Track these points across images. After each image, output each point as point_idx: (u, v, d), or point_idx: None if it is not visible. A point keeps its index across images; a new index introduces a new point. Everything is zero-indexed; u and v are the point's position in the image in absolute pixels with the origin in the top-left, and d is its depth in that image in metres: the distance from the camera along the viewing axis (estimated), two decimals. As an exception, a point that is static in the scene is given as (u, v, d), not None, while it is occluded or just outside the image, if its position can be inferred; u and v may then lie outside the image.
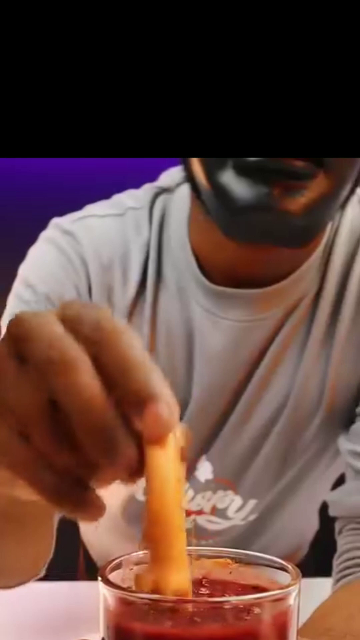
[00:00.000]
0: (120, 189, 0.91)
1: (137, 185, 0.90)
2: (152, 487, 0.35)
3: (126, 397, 0.34)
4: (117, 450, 0.34)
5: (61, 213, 0.89)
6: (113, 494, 0.46)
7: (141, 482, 0.36)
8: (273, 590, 0.36)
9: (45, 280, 0.82)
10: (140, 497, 0.90)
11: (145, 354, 0.35)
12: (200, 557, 0.41)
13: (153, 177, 0.91)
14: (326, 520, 0.84)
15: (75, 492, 0.36)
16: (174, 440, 0.35)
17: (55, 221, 0.87)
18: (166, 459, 0.35)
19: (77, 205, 0.90)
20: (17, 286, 0.85)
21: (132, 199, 0.87)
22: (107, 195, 0.91)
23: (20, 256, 0.87)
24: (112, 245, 0.84)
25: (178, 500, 0.35)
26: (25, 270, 0.85)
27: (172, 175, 0.87)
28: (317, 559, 1.03)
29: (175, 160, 0.83)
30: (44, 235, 0.86)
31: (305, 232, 0.73)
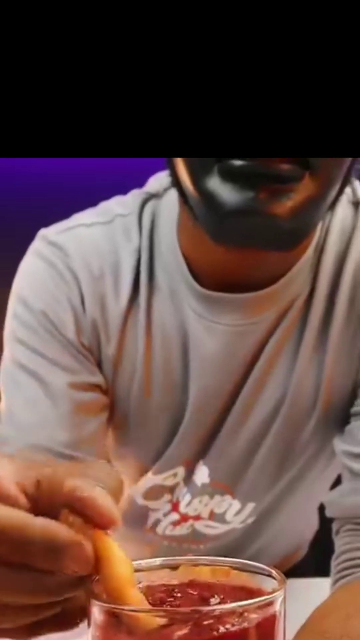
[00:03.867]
0: (111, 189, 0.90)
1: (127, 186, 0.90)
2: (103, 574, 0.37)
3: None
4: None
5: (53, 213, 0.88)
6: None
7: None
8: (260, 595, 0.37)
9: (38, 294, 0.82)
10: (140, 500, 0.90)
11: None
12: (198, 564, 0.42)
13: (143, 177, 0.90)
14: (326, 520, 0.84)
15: (48, 624, 0.41)
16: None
17: (42, 233, 0.86)
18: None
19: (70, 206, 0.89)
20: (13, 301, 0.85)
21: (120, 205, 0.87)
22: (99, 196, 0.90)
23: (10, 256, 0.87)
24: (102, 253, 0.83)
25: (129, 577, 0.37)
26: (18, 285, 0.85)
27: (160, 180, 0.87)
28: (316, 559, 1.03)
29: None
30: (32, 248, 0.86)
31: (293, 235, 0.73)
